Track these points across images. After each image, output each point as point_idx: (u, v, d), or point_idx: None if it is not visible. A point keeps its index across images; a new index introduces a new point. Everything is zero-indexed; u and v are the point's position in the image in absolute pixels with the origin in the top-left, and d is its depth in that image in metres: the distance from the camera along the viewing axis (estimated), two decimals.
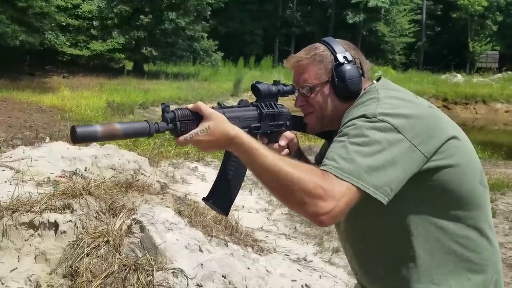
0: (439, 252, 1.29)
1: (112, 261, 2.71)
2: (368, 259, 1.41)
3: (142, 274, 2.65)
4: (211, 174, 5.94)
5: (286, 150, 1.51)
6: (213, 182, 1.46)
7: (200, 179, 5.81)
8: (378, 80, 1.46)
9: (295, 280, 3.35)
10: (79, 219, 2.97)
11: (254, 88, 1.48)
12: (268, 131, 1.48)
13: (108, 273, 2.64)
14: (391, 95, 1.31)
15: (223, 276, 2.86)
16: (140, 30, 20.53)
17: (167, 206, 3.48)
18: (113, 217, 3.06)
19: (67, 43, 19.60)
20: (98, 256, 2.74)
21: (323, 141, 1.62)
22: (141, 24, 20.44)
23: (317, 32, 33.96)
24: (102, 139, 1.17)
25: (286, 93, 1.50)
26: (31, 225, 2.91)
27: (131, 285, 2.62)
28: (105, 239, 2.82)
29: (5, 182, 3.86)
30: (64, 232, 2.90)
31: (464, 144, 1.32)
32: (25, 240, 2.88)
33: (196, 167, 6.26)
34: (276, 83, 1.51)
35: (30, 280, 2.71)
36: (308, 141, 8.03)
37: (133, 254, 2.80)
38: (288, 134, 1.52)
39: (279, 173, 1.16)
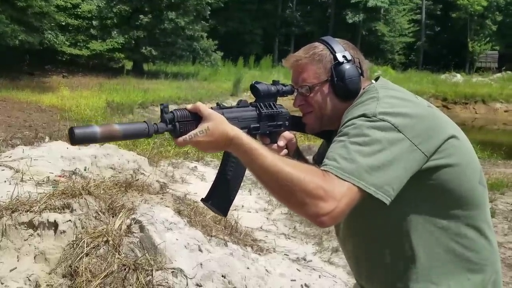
0: (438, 251, 1.29)
1: (111, 260, 2.71)
2: (367, 258, 1.41)
3: (141, 273, 2.65)
4: (210, 174, 5.94)
5: (285, 151, 1.51)
6: (212, 183, 1.46)
7: (199, 178, 5.81)
8: (377, 79, 1.46)
9: (295, 280, 3.35)
10: (79, 219, 2.97)
11: (253, 88, 1.48)
12: (267, 132, 1.48)
13: (107, 272, 2.65)
14: (391, 94, 1.31)
15: (222, 276, 2.86)
16: (139, 29, 20.52)
17: (166, 206, 3.48)
18: (113, 216, 3.06)
19: (66, 42, 19.60)
20: (98, 256, 2.74)
21: (322, 141, 1.62)
22: (140, 24, 20.43)
23: (317, 32, 33.93)
24: (101, 141, 1.16)
25: (285, 93, 1.50)
26: (30, 224, 2.91)
27: (130, 285, 2.62)
28: (105, 238, 2.82)
29: (5, 181, 3.86)
30: (64, 231, 2.90)
31: (463, 143, 1.32)
32: (25, 240, 2.88)
33: (195, 166, 6.27)
34: (275, 83, 1.50)
35: (29, 279, 2.71)
36: (308, 141, 8.03)
37: (132, 253, 2.80)
38: (287, 134, 1.52)
39: (279, 174, 1.15)
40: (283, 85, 1.50)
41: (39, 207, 2.98)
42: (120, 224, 2.96)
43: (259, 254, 3.62)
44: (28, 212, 2.94)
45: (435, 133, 1.25)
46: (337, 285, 3.45)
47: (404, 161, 1.19)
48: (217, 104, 1.39)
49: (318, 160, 1.44)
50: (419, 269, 1.30)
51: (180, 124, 1.23)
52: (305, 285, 3.31)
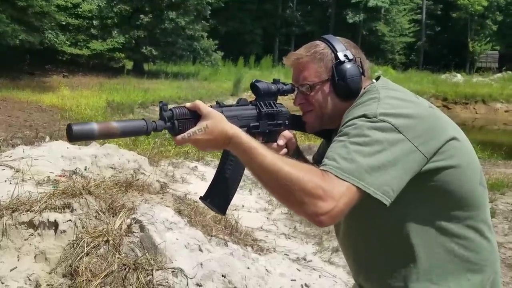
0: (438, 252, 1.29)
1: (111, 260, 2.71)
2: (367, 259, 1.41)
3: (141, 273, 2.65)
4: (210, 173, 5.92)
5: (285, 150, 1.51)
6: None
7: (200, 178, 5.81)
8: (377, 79, 1.45)
9: (295, 280, 3.35)
10: (79, 219, 2.97)
11: (254, 87, 1.48)
12: (267, 130, 1.47)
13: (107, 272, 2.64)
14: (392, 95, 1.30)
15: (222, 276, 2.86)
16: (140, 29, 20.53)
17: (167, 206, 3.48)
18: (113, 216, 3.06)
19: (67, 42, 19.62)
20: (98, 256, 2.74)
21: (322, 141, 1.61)
22: (141, 24, 20.44)
23: (317, 31, 33.91)
24: (99, 138, 1.15)
25: (285, 92, 1.50)
26: (31, 224, 2.91)
27: (130, 285, 2.62)
28: (105, 238, 2.82)
29: (5, 181, 3.86)
30: (64, 231, 2.90)
31: (464, 144, 1.31)
32: (25, 240, 2.87)
33: (196, 166, 6.26)
34: (275, 82, 1.50)
35: (30, 279, 2.71)
36: (308, 140, 8.02)
37: (132, 253, 2.80)
38: (287, 133, 1.51)
39: (278, 173, 1.15)
40: (284, 84, 1.50)
41: (39, 207, 2.98)
42: (120, 224, 2.96)
43: (259, 254, 3.62)
44: (29, 212, 2.94)
45: (435, 134, 1.24)
46: (337, 285, 3.44)
47: (404, 162, 1.19)
48: (217, 102, 1.39)
49: (318, 159, 1.43)
50: (418, 269, 1.30)
51: (179, 122, 1.23)
52: (305, 285, 3.31)
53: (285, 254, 3.85)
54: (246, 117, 1.41)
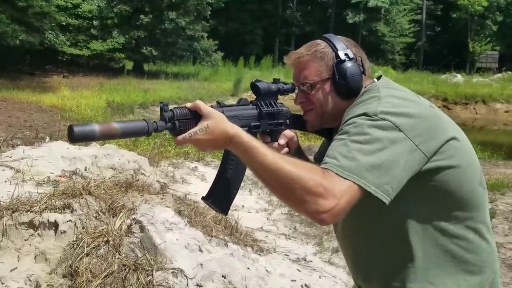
0: (437, 252, 1.29)
1: (112, 261, 2.70)
2: (366, 258, 1.40)
3: (141, 274, 2.65)
4: (211, 174, 5.93)
5: (286, 149, 1.50)
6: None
7: (200, 179, 5.81)
8: (378, 78, 1.45)
9: (295, 280, 3.35)
10: (79, 219, 2.97)
11: (254, 87, 1.47)
12: (268, 130, 1.47)
13: (108, 273, 2.64)
14: (392, 94, 1.30)
15: (223, 276, 2.86)
16: (140, 29, 20.55)
17: (167, 206, 3.48)
18: (113, 217, 3.05)
19: (67, 42, 19.63)
20: (98, 256, 2.74)
21: (322, 141, 1.61)
22: (141, 24, 20.46)
23: (317, 32, 33.89)
24: (100, 139, 1.15)
25: (285, 92, 1.49)
26: (31, 225, 2.91)
27: (130, 285, 2.62)
28: (105, 239, 2.81)
29: (5, 181, 3.86)
30: (64, 232, 2.90)
31: (464, 145, 1.31)
32: (25, 240, 2.87)
33: (196, 167, 6.26)
34: (275, 81, 1.50)
35: (30, 280, 2.70)
36: (308, 141, 8.02)
37: (133, 254, 2.80)
38: (288, 132, 1.51)
39: (279, 172, 1.15)
40: (284, 83, 1.50)
41: (39, 207, 2.98)
42: (120, 224, 2.95)
43: (260, 254, 3.61)
44: (29, 212, 2.94)
45: (436, 133, 1.24)
46: (337, 285, 3.44)
47: (405, 161, 1.18)
48: (217, 102, 1.38)
49: (319, 159, 1.43)
50: (417, 269, 1.30)
51: (180, 122, 1.23)
52: (305, 285, 3.30)
53: (285, 254, 3.85)
54: (247, 116, 1.41)
